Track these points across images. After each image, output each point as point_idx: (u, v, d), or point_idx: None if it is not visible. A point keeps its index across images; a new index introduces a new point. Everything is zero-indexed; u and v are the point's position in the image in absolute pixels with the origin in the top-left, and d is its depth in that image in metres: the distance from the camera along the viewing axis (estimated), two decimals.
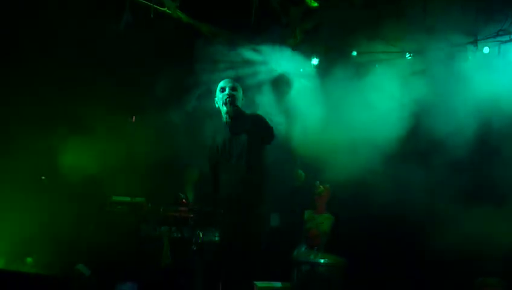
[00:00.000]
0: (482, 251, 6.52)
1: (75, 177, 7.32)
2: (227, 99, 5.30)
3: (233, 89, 5.39)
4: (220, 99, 5.41)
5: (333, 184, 7.78)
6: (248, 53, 8.00)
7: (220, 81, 5.51)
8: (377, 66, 7.43)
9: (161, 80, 7.64)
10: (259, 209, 5.32)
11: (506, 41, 6.75)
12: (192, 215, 7.16)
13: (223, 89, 5.41)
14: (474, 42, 6.81)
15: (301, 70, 8.26)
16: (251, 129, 5.24)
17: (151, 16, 6.47)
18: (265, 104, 7.99)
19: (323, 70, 8.07)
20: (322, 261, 7.05)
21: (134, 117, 7.57)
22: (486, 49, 6.92)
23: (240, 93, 5.43)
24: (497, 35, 6.78)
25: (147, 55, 7.56)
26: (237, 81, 5.63)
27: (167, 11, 6.72)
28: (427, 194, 7.09)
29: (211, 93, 5.66)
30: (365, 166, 7.35)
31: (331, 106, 7.83)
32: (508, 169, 6.63)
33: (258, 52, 8.06)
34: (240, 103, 5.39)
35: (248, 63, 8.16)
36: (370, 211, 7.37)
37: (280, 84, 8.33)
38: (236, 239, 5.28)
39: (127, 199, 7.49)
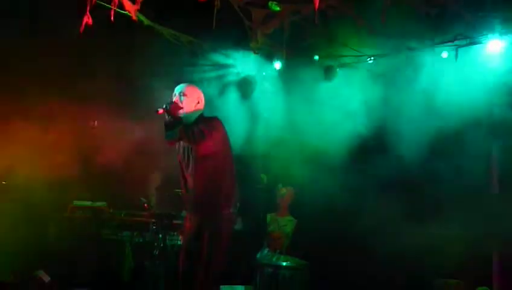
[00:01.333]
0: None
1: (34, 181, 7.19)
2: (166, 105, 5.28)
3: (183, 94, 5.36)
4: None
5: (295, 186, 7.84)
6: (211, 56, 8.01)
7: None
8: (338, 70, 7.49)
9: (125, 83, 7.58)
10: (223, 211, 5.29)
11: (463, 46, 6.86)
12: (154, 220, 7.14)
13: (173, 96, 5.41)
14: (432, 47, 6.91)
15: (263, 73, 8.30)
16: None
17: (112, 19, 6.37)
18: (230, 107, 8.02)
19: (285, 74, 8.12)
20: (284, 264, 7.08)
21: (96, 122, 7.50)
22: (444, 54, 7.04)
23: (193, 94, 5.39)
24: (455, 39, 6.88)
25: (108, 59, 7.49)
26: (195, 84, 5.62)
27: (127, 14, 6.64)
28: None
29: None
30: (325, 169, 7.41)
31: (293, 109, 7.90)
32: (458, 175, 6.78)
33: (220, 55, 8.09)
34: (191, 104, 5.35)
35: (211, 66, 8.18)
36: (331, 214, 7.43)
37: (243, 87, 8.35)
38: (200, 242, 5.23)
39: (88, 203, 7.43)
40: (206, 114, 5.49)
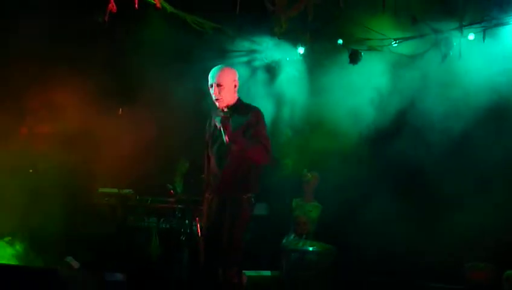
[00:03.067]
0: None
1: (61, 170, 7.26)
2: (216, 100, 5.28)
3: (219, 84, 5.33)
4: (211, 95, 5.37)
5: (320, 172, 7.82)
6: (235, 42, 7.98)
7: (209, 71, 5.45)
8: (362, 53, 7.42)
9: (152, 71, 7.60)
10: (242, 194, 5.26)
11: (491, 27, 6.76)
12: (180, 206, 7.17)
13: (211, 86, 5.36)
14: (460, 29, 6.81)
15: (287, 58, 8.26)
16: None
17: (136, 6, 6.39)
18: (255, 92, 7.99)
19: (309, 58, 8.08)
20: (310, 248, 7.10)
21: (121, 109, 7.53)
22: (471, 36, 6.94)
23: (229, 82, 5.32)
24: (482, 20, 6.79)
25: (136, 46, 7.50)
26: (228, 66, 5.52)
27: (152, 1, 6.65)
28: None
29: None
30: (349, 155, 7.38)
31: (317, 93, 7.86)
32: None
33: (244, 41, 8.06)
34: (229, 93, 5.31)
35: (235, 52, 8.15)
36: (355, 199, 7.40)
37: (268, 72, 8.32)
38: (221, 225, 5.23)
39: (115, 190, 7.47)
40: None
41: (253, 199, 5.30)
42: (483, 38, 6.76)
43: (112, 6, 6.30)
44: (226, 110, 5.31)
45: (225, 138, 5.18)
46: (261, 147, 5.20)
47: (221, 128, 5.16)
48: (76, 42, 7.42)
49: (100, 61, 7.55)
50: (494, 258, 6.70)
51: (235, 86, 5.36)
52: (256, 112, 5.31)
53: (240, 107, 5.35)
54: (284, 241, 7.49)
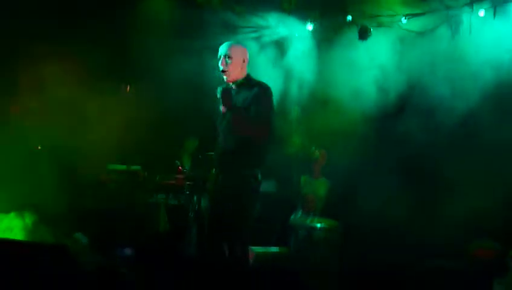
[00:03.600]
0: None
1: (69, 146, 7.29)
2: (223, 73, 5.23)
3: (227, 56, 5.29)
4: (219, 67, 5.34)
5: (327, 149, 7.81)
6: (244, 17, 7.93)
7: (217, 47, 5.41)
8: (372, 30, 7.36)
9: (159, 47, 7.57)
10: (247, 170, 5.21)
11: (500, 4, 6.69)
12: (188, 183, 7.19)
13: (219, 58, 5.30)
14: (470, 5, 6.74)
15: (296, 34, 8.21)
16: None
17: None
18: (264, 68, 7.96)
19: (318, 35, 8.02)
20: (318, 225, 7.13)
21: (128, 86, 7.53)
22: (481, 12, 6.86)
23: (238, 55, 5.25)
24: None
25: (138, 22, 7.47)
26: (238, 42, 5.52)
27: None
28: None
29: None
30: (356, 131, 7.37)
31: (326, 70, 7.81)
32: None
33: (253, 16, 8.00)
34: (237, 66, 5.25)
35: (245, 27, 8.10)
36: (360, 177, 7.39)
37: (277, 48, 8.28)
38: (225, 201, 5.21)
39: (123, 167, 7.50)
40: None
41: (259, 175, 5.24)
42: (494, 15, 6.69)
43: None
44: (233, 85, 5.29)
45: (222, 109, 5.15)
46: (260, 123, 5.12)
47: (221, 100, 5.12)
48: (75, 17, 7.39)
49: (106, 37, 7.54)
50: (500, 238, 6.69)
51: (244, 60, 5.28)
52: (262, 88, 5.22)
53: (247, 83, 5.28)
54: (291, 218, 7.52)
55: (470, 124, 6.95)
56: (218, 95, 5.14)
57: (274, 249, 7.23)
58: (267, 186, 7.53)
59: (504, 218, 6.65)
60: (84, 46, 7.38)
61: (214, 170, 5.42)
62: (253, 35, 8.10)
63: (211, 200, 5.47)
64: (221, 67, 5.26)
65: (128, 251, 6.52)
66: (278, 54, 8.22)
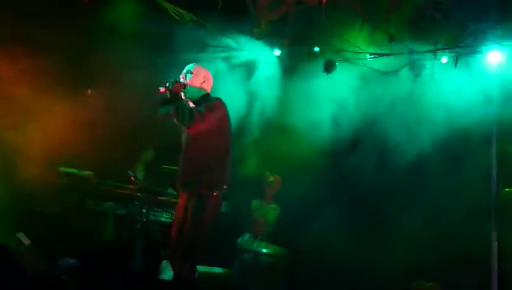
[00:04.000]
0: None
1: (23, 145, 7.16)
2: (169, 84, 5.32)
3: (190, 72, 5.44)
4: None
5: (282, 176, 7.88)
6: (213, 37, 7.96)
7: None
8: (337, 63, 7.49)
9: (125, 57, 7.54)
10: (206, 190, 5.28)
11: (464, 54, 6.91)
12: (139, 194, 7.13)
13: (182, 75, 5.47)
14: (434, 51, 6.94)
15: (263, 59, 8.29)
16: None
17: None
18: (228, 89, 8.02)
19: (285, 62, 8.12)
20: (264, 250, 7.15)
21: (90, 90, 7.46)
22: (444, 59, 7.07)
23: (198, 76, 5.45)
24: (457, 46, 6.93)
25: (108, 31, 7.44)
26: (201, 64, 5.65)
27: None
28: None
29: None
30: (310, 161, 7.46)
31: (288, 98, 7.91)
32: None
33: (223, 37, 8.04)
34: (195, 85, 5.42)
35: (213, 47, 8.13)
36: (311, 206, 7.48)
37: (243, 70, 8.34)
38: (185, 220, 5.27)
39: (74, 171, 7.40)
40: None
41: (220, 196, 5.32)
42: (456, 63, 6.90)
43: None
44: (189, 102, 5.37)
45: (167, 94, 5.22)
46: (195, 112, 5.17)
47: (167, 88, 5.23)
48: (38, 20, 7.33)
49: (69, 41, 7.47)
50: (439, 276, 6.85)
51: (205, 81, 5.49)
52: (216, 99, 5.40)
53: (204, 99, 5.42)
54: (239, 240, 7.52)
55: (420, 166, 7.13)
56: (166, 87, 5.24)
57: (218, 269, 7.20)
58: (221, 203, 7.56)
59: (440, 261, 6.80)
60: (46, 48, 7.29)
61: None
62: (221, 55, 8.13)
63: (175, 216, 5.49)
64: (181, 80, 5.35)
65: (73, 261, 6.40)
66: (244, 76, 8.29)
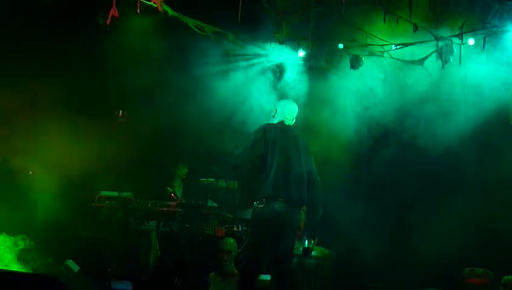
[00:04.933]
0: None
1: (62, 173, 7.29)
2: None
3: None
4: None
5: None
6: (238, 46, 7.98)
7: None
8: (363, 58, 7.43)
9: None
10: None
11: (491, 34, 6.77)
12: (180, 210, 7.19)
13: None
14: (460, 35, 6.82)
15: (289, 62, 8.28)
16: None
17: (138, 11, 6.41)
18: (258, 95, 8.06)
19: (310, 63, 8.08)
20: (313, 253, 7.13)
21: (121, 112, 7.56)
22: (471, 41, 6.94)
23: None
24: (483, 28, 6.80)
25: (131, 50, 7.51)
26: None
27: (153, 5, 6.66)
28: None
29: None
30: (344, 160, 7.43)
31: (316, 96, 7.89)
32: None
33: (247, 45, 8.06)
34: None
35: (238, 56, 8.15)
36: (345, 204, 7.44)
37: (270, 76, 8.34)
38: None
39: (115, 193, 7.50)
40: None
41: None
42: (483, 45, 6.77)
43: (114, 11, 6.32)
44: None
45: None
46: None
47: None
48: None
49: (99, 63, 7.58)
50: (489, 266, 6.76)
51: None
52: None
53: None
54: None
55: (454, 156, 7.05)
56: None
57: (266, 277, 7.21)
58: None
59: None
60: (74, 71, 7.42)
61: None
62: (246, 63, 8.16)
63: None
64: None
65: (126, 284, 6.46)
66: (271, 81, 8.29)
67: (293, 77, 8.26)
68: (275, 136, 5.60)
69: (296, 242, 7.40)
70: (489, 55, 6.81)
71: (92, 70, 7.61)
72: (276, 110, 5.86)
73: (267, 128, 5.66)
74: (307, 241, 6.99)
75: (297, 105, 7.65)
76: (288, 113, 5.83)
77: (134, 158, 7.49)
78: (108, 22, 6.44)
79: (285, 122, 5.80)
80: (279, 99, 6.11)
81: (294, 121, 5.89)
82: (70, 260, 6.88)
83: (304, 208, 7.72)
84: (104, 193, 7.53)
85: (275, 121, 5.81)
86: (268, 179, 5.49)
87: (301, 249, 7.14)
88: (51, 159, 7.39)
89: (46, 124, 7.40)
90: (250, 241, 5.69)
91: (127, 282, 6.28)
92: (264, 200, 5.50)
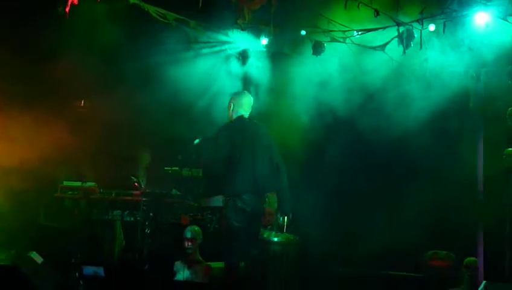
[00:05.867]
0: None
1: (23, 164, 7.18)
2: None
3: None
4: None
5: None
6: (199, 33, 7.94)
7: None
8: (325, 44, 7.46)
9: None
10: None
11: (450, 19, 6.84)
12: (144, 199, 7.16)
13: None
14: (420, 20, 6.88)
15: (251, 49, 8.27)
16: None
17: None
18: (221, 83, 8.04)
19: (273, 49, 8.09)
20: (275, 239, 7.15)
21: (83, 101, 7.47)
22: (431, 27, 7.01)
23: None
24: (442, 13, 6.87)
25: (90, 39, 7.40)
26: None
27: None
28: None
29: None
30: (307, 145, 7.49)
31: (279, 82, 7.89)
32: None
33: (209, 32, 8.02)
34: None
35: (200, 43, 8.11)
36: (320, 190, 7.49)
37: (233, 63, 8.33)
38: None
39: (78, 184, 7.43)
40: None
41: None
42: (443, 30, 6.84)
43: None
44: None
45: None
46: None
47: None
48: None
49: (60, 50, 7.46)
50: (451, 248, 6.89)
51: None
52: None
53: None
54: None
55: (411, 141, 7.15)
56: None
57: (218, 264, 7.22)
58: (218, 201, 7.60)
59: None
60: (35, 59, 7.30)
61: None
62: (208, 50, 8.13)
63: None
64: None
65: (98, 270, 6.41)
66: (234, 68, 8.29)
67: (256, 64, 8.27)
68: (237, 137, 5.87)
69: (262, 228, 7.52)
70: (449, 40, 6.89)
71: (53, 60, 7.47)
72: (233, 105, 6.05)
73: (228, 132, 5.92)
74: (281, 218, 7.07)
75: (256, 93, 7.86)
76: (246, 105, 6.06)
77: (97, 148, 7.40)
78: (67, 9, 6.35)
79: (244, 116, 6.03)
80: (233, 93, 6.27)
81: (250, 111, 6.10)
82: (34, 252, 6.79)
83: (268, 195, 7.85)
84: (66, 184, 7.45)
85: (234, 115, 6.02)
86: (236, 177, 5.83)
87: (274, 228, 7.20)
88: (11, 150, 7.25)
89: (3, 114, 7.26)
90: (226, 230, 5.94)
91: (99, 267, 6.26)
92: (232, 195, 5.85)
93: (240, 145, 5.83)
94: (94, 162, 7.49)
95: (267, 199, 7.74)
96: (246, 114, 6.04)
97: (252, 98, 6.15)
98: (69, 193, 7.40)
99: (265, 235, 7.25)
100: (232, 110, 6.03)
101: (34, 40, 7.23)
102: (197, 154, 6.49)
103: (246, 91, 6.47)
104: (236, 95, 6.17)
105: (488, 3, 6.60)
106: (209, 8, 7.14)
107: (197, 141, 6.78)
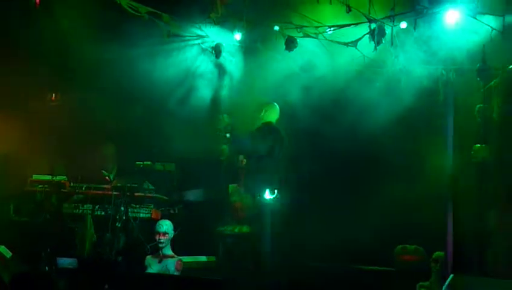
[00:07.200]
0: None
1: None
2: None
3: None
4: None
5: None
6: (172, 27, 7.89)
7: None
8: (297, 40, 7.47)
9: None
10: None
11: (421, 17, 6.91)
12: (115, 193, 7.12)
13: None
14: (392, 17, 6.93)
15: (224, 44, 8.24)
16: None
17: None
18: (193, 78, 8.01)
19: (246, 44, 8.08)
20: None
21: (54, 95, 7.40)
22: (403, 24, 7.07)
23: None
24: (413, 10, 6.93)
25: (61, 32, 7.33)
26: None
27: None
28: None
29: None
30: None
31: (252, 77, 7.91)
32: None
33: (182, 25, 7.98)
34: None
35: (173, 36, 8.06)
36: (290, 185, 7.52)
37: (206, 57, 8.30)
38: None
39: (48, 177, 7.36)
40: None
41: None
42: (414, 27, 6.91)
43: None
44: None
45: None
46: None
47: None
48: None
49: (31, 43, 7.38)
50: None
51: None
52: None
53: None
54: (220, 226, 7.55)
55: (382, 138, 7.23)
56: None
57: (202, 258, 7.24)
58: (194, 195, 7.59)
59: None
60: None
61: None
62: (182, 44, 8.09)
63: None
64: None
65: (72, 261, 6.40)
66: (208, 62, 8.26)
67: (229, 58, 8.25)
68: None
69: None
70: (420, 38, 6.96)
71: (23, 54, 7.38)
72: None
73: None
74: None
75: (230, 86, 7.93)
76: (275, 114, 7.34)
77: (68, 142, 7.35)
78: (38, 1, 6.29)
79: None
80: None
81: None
82: (3, 246, 6.73)
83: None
84: (36, 177, 7.38)
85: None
86: None
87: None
88: None
89: None
90: None
91: (72, 259, 6.25)
92: None
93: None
94: (65, 156, 7.42)
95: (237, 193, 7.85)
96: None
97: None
98: (39, 186, 7.32)
99: (236, 230, 7.30)
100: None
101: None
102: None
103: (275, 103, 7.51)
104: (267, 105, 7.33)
105: (459, 1, 6.69)
106: (182, 1, 7.11)
107: (228, 134, 7.56)
